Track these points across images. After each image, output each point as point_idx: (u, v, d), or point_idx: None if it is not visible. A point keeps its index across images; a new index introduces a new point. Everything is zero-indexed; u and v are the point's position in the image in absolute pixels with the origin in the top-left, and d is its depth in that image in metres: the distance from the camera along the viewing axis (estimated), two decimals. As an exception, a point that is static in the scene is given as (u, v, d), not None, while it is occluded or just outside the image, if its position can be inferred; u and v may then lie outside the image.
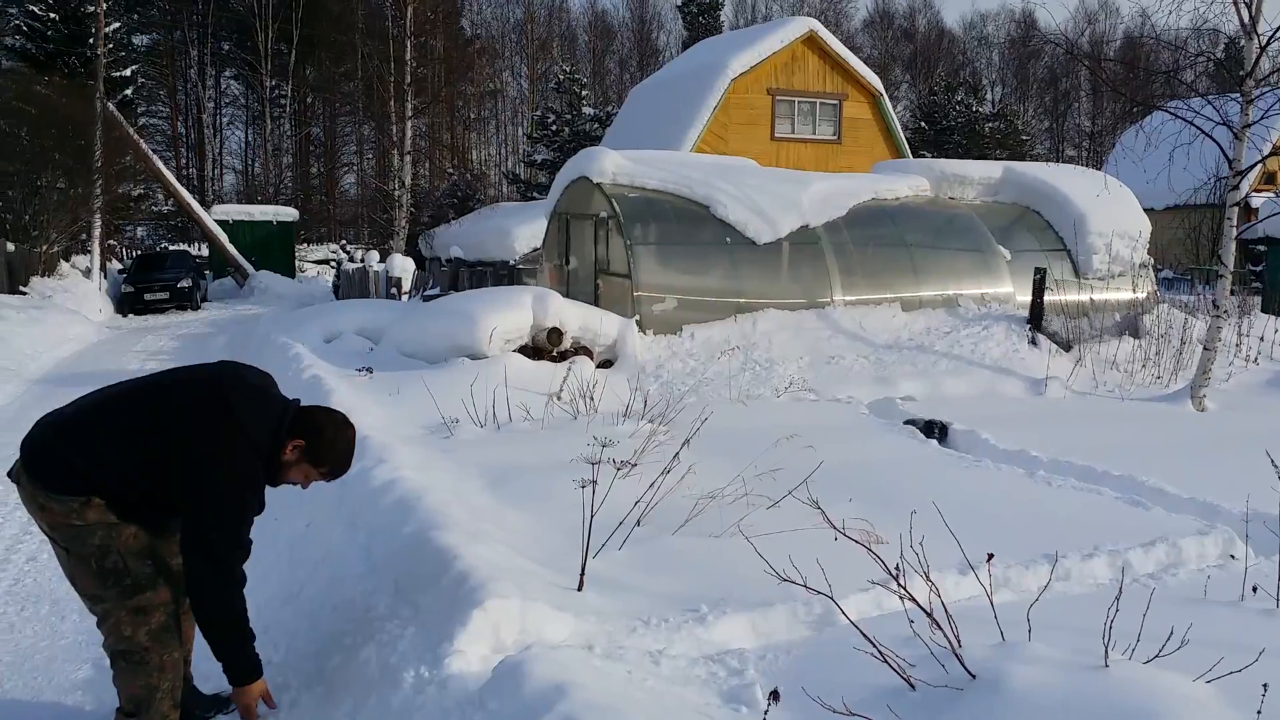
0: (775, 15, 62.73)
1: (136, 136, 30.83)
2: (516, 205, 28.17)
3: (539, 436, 7.48)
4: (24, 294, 21.06)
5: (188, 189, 36.39)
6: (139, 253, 35.72)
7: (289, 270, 33.74)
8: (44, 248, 24.02)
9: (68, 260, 27.02)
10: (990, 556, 3.84)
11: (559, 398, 8.57)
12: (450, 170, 38.18)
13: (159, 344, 18.09)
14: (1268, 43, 9.79)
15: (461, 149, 51.91)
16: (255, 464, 3.56)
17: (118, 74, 33.12)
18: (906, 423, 8.67)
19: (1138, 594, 4.09)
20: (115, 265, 32.25)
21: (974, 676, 3.25)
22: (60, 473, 3.43)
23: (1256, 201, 26.92)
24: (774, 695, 3.25)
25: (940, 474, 6.78)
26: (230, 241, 31.74)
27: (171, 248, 37.17)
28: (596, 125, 37.51)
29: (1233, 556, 5.11)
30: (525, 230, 21.60)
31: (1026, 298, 12.26)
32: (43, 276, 23.33)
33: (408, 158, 28.64)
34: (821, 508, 4.35)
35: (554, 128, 38.86)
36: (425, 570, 4.31)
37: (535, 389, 8.80)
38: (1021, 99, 66.83)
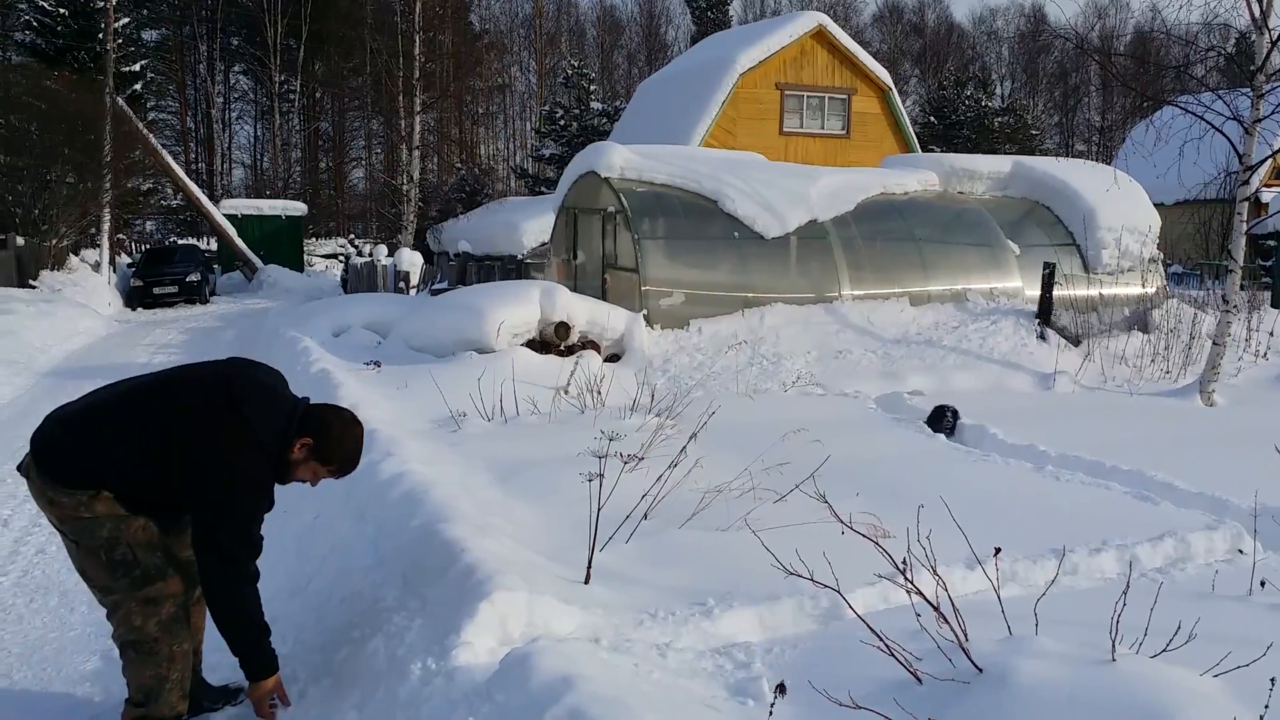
0: (784, 10, 62.60)
1: (146, 131, 30.92)
2: (524, 200, 28.18)
3: (546, 430, 7.48)
4: (33, 288, 21.13)
5: (196, 183, 36.56)
6: (148, 247, 35.77)
7: (297, 264, 33.79)
8: (53, 242, 24.11)
9: (77, 254, 27.10)
10: (997, 551, 3.84)
11: (566, 392, 8.58)
12: (458, 165, 38.18)
13: (168, 338, 18.13)
14: (1279, 38, 9.74)
15: (469, 144, 51.88)
16: (264, 464, 3.57)
17: (127, 69, 33.18)
18: (927, 422, 8.48)
19: (1145, 588, 4.09)
20: (124, 259, 32.35)
21: (981, 670, 3.25)
22: (69, 468, 3.44)
23: (1267, 196, 26.83)
24: (780, 688, 3.25)
25: (948, 468, 6.78)
26: (239, 236, 31.83)
27: (180, 242, 37.25)
28: (605, 120, 37.45)
29: (1241, 551, 5.09)
30: (533, 225, 21.59)
31: (1035, 292, 12.23)
32: (52, 270, 23.42)
33: (416, 152, 28.64)
34: (828, 502, 4.35)
35: (562, 122, 38.81)
36: (433, 563, 4.32)
37: (543, 383, 8.80)
38: (1031, 94, 66.61)
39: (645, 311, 11.34)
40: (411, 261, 23.94)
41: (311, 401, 3.83)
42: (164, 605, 3.57)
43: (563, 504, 5.33)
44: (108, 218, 26.96)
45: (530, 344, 10.46)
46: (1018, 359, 11.07)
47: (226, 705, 3.99)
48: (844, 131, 27.58)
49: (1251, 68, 9.96)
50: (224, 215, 32.30)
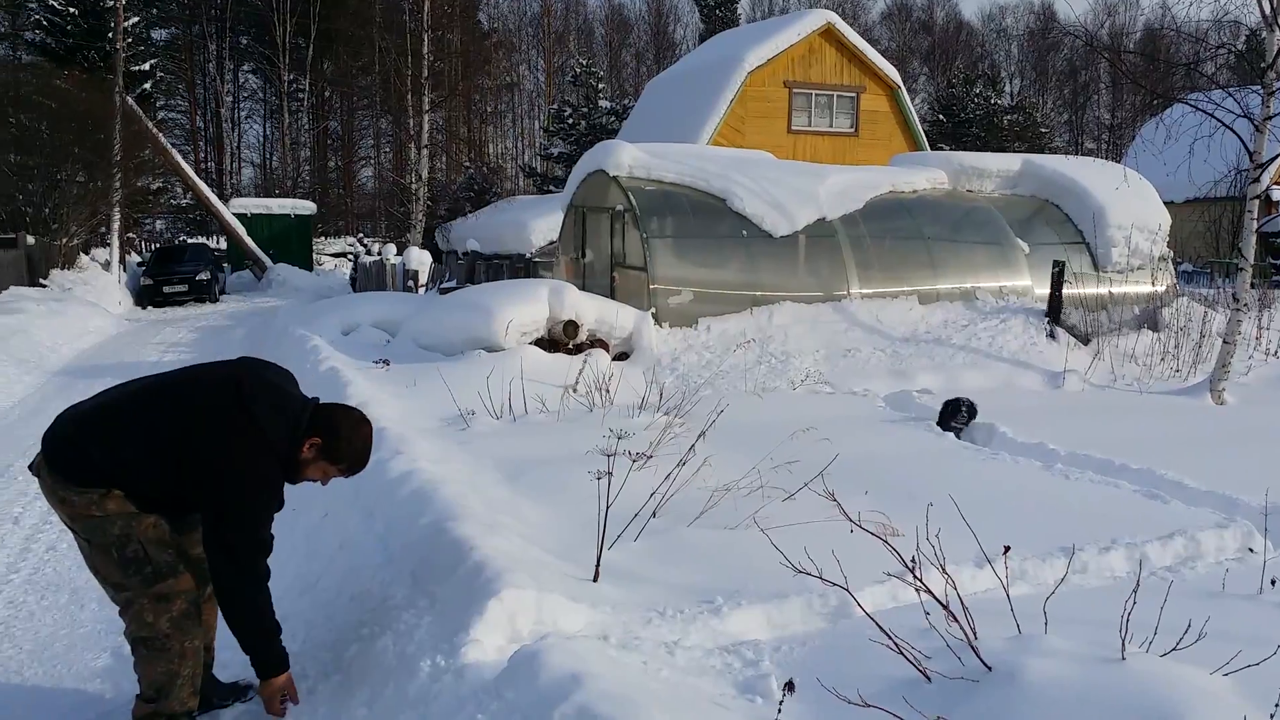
0: (792, 8, 62.54)
1: (155, 130, 30.98)
2: (533, 198, 28.18)
3: (555, 429, 7.49)
4: (44, 287, 21.21)
5: (206, 182, 36.64)
6: (158, 246, 35.91)
7: (306, 263, 33.86)
8: (64, 241, 24.19)
9: (87, 253, 27.19)
10: (1007, 549, 3.83)
11: (575, 390, 8.58)
12: (467, 164, 38.26)
13: (177, 336, 18.19)
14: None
15: (478, 142, 51.98)
16: (273, 465, 3.58)
17: (137, 68, 33.29)
18: (940, 415, 8.30)
19: (1155, 587, 4.08)
20: (134, 258, 32.45)
21: (990, 669, 3.24)
22: (80, 466, 3.46)
23: (1278, 194, 26.72)
24: (789, 686, 3.25)
25: (957, 467, 6.77)
26: (248, 234, 31.90)
27: (190, 241, 37.38)
28: (613, 119, 37.45)
29: (1251, 550, 5.08)
30: (541, 223, 21.59)
31: (1045, 291, 12.20)
32: (62, 269, 23.49)
33: (425, 151, 28.69)
34: (837, 500, 4.34)
35: (570, 121, 38.83)
36: (442, 561, 4.33)
37: (551, 381, 8.81)
38: (1040, 91, 66.44)
39: (653, 310, 11.34)
40: (420, 260, 23.99)
41: (321, 401, 3.84)
42: (175, 602, 3.59)
43: (571, 502, 5.34)
44: (117, 216, 27.03)
45: (539, 342, 10.47)
46: (1027, 357, 11.05)
47: (237, 702, 4.00)
48: (852, 130, 27.55)
49: (1262, 65, 9.92)
50: (233, 214, 32.37)
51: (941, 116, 48.60)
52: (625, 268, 12.61)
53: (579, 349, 10.48)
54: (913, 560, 3.68)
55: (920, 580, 3.61)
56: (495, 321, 10.25)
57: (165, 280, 25.68)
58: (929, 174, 14.01)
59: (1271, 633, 3.56)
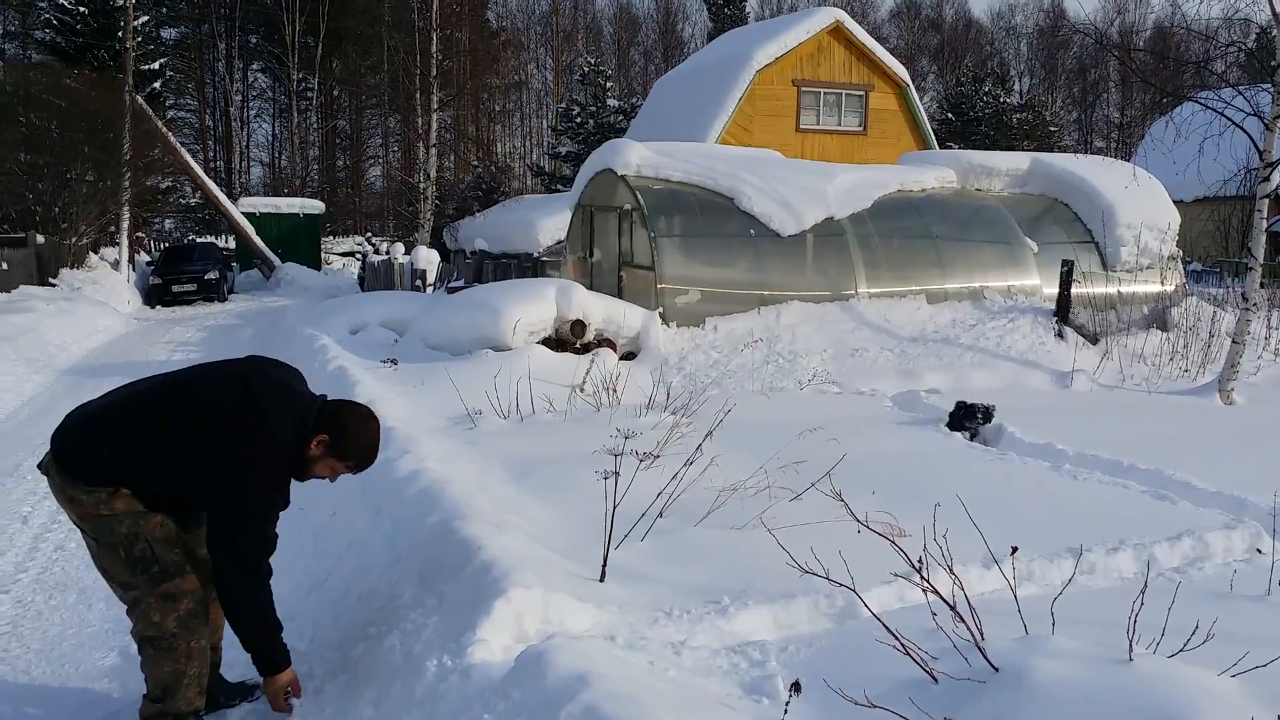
0: (801, 6, 62.42)
1: (165, 129, 31.09)
2: (541, 198, 28.19)
3: (562, 428, 7.50)
4: (53, 286, 21.29)
5: (215, 182, 36.74)
6: (167, 245, 36.03)
7: (315, 262, 33.92)
8: (73, 240, 24.27)
9: (96, 252, 27.30)
10: (1014, 550, 3.83)
11: (582, 389, 8.59)
12: (475, 163, 38.26)
13: (186, 335, 18.24)
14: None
15: (486, 141, 51.97)
16: (280, 463, 3.59)
17: (146, 67, 33.37)
18: (951, 419, 8.12)
19: (1163, 588, 4.07)
20: (143, 257, 32.56)
21: (997, 669, 3.24)
22: (88, 465, 3.47)
23: (1288, 193, 26.58)
24: (795, 687, 3.26)
25: (964, 467, 6.76)
26: (257, 234, 31.97)
27: (199, 240, 37.50)
28: (621, 117, 37.46)
29: (1260, 550, 5.06)
30: (549, 223, 21.61)
31: (1053, 290, 12.17)
32: (72, 268, 23.57)
33: (433, 150, 28.68)
34: (844, 500, 4.34)
35: (578, 120, 38.85)
36: (449, 560, 4.34)
37: (558, 381, 8.82)
38: (1050, 90, 66.24)
39: (661, 309, 11.34)
40: (428, 259, 24.00)
41: (329, 398, 3.85)
42: (182, 601, 3.60)
43: (578, 502, 5.34)
44: (127, 216, 27.13)
45: (546, 342, 10.48)
46: (1035, 357, 11.02)
47: (244, 702, 4.01)
48: (861, 128, 27.51)
49: (1272, 63, 9.89)
50: (242, 213, 32.44)
51: (950, 115, 48.51)
52: (633, 267, 12.61)
53: (586, 348, 10.48)
54: (920, 561, 3.68)
55: (927, 581, 3.61)
56: (503, 321, 10.27)
57: (174, 279, 25.76)
58: (937, 173, 13.99)
59: (1279, 634, 3.55)
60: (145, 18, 34.36)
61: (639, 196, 12.14)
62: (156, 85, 35.05)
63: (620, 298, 11.80)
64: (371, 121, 54.81)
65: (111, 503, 3.45)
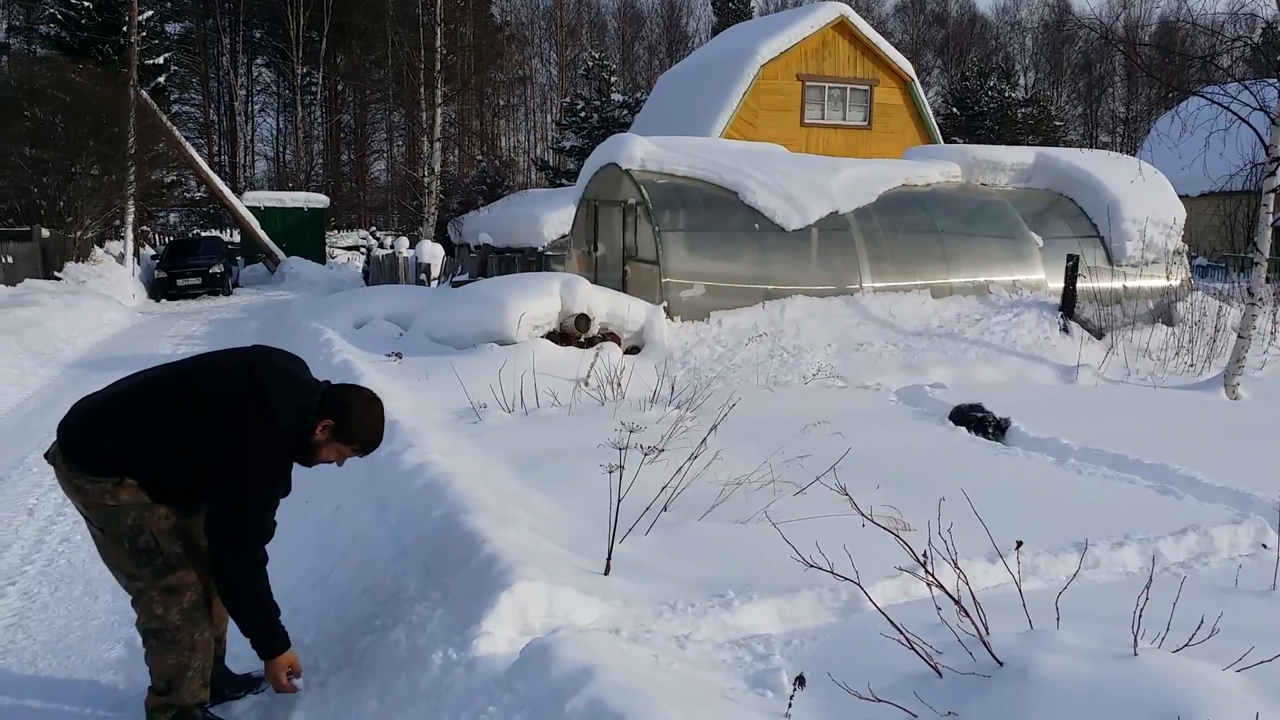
0: (805, 0, 62.36)
1: (169, 124, 31.09)
2: (545, 192, 28.19)
3: (566, 422, 7.50)
4: (59, 279, 21.31)
5: (220, 176, 36.74)
6: (172, 239, 36.03)
7: (319, 256, 33.93)
8: (78, 234, 24.28)
9: (101, 246, 27.29)
10: (1019, 544, 3.82)
11: (586, 383, 8.59)
12: (479, 157, 38.27)
13: (191, 329, 18.25)
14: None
15: (491, 136, 52.01)
16: (283, 451, 3.59)
17: (151, 62, 33.41)
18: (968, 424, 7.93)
19: (1168, 583, 4.06)
20: (148, 251, 32.56)
21: (1001, 664, 3.24)
22: (94, 455, 3.48)
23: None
24: (800, 680, 3.26)
25: (969, 461, 6.75)
26: (262, 228, 31.98)
27: (204, 234, 37.51)
28: (625, 112, 37.45)
29: (1265, 546, 5.06)
30: (554, 217, 21.61)
31: (1059, 285, 12.15)
32: (77, 262, 23.58)
33: (437, 144, 28.69)
34: (849, 494, 4.34)
35: (583, 114, 38.85)
36: (454, 553, 4.34)
37: (563, 375, 8.82)
38: (1055, 84, 66.10)
39: (665, 303, 11.34)
40: (433, 253, 24.00)
41: (332, 383, 3.85)
42: (185, 594, 3.60)
43: (583, 495, 5.34)
44: (132, 210, 27.14)
45: (550, 336, 10.48)
46: (1040, 352, 11.01)
47: (248, 693, 4.02)
48: (865, 123, 27.47)
49: (1278, 58, 9.86)
50: (247, 207, 32.46)
51: (955, 110, 48.41)
52: (637, 261, 12.61)
53: (591, 342, 10.48)
54: (924, 555, 3.68)
55: (932, 575, 3.61)
56: (507, 315, 10.26)
57: (179, 273, 25.80)
58: (942, 167, 13.97)
59: (1285, 629, 3.55)
60: (149, 12, 34.38)
61: (643, 191, 12.13)
62: (161, 80, 35.07)
63: (625, 292, 11.79)
64: (376, 116, 54.82)
65: (117, 493, 3.46)
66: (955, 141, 36.44)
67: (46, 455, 3.62)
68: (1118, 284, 12.57)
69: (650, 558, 4.55)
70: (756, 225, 12.06)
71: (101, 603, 5.10)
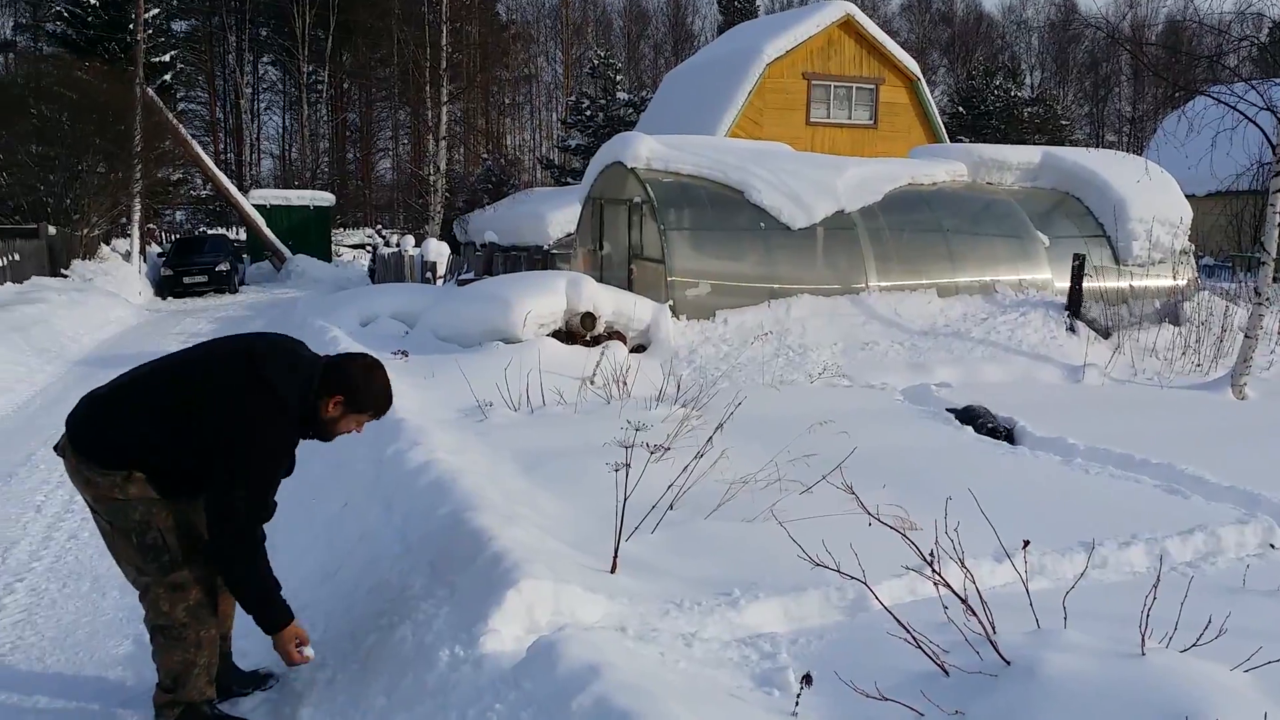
0: (811, -1, 62.29)
1: (175, 122, 31.13)
2: (551, 190, 28.21)
3: (572, 420, 7.50)
4: (65, 277, 21.36)
5: (226, 174, 36.78)
6: (178, 236, 36.09)
7: (325, 254, 33.96)
8: (84, 231, 24.34)
9: (108, 244, 27.36)
10: (1026, 543, 3.82)
11: (592, 382, 8.59)
12: (485, 155, 38.25)
13: (197, 326, 18.29)
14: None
15: (496, 134, 52.03)
16: (287, 429, 3.63)
17: (157, 60, 33.47)
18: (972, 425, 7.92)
19: (1175, 582, 4.06)
20: (154, 249, 32.63)
21: (1009, 663, 3.23)
22: (103, 447, 3.50)
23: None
24: (806, 679, 3.26)
25: (976, 461, 6.74)
26: (268, 226, 32.00)
27: (210, 232, 37.55)
28: (631, 110, 37.44)
29: (1272, 545, 5.05)
30: (559, 215, 21.63)
31: (1065, 284, 12.13)
32: (83, 259, 23.65)
33: (443, 143, 28.72)
34: (855, 493, 4.34)
35: (588, 113, 38.84)
36: (460, 551, 4.34)
37: (569, 373, 8.82)
38: (1061, 84, 65.99)
39: (671, 302, 11.34)
40: (438, 252, 24.03)
41: (330, 356, 3.89)
42: (191, 591, 3.61)
43: (589, 494, 5.34)
44: (138, 207, 27.20)
45: (556, 334, 10.48)
46: (1047, 351, 10.99)
47: (256, 690, 4.03)
48: (871, 122, 27.45)
49: (1286, 57, 9.84)
50: (253, 205, 32.49)
51: (961, 109, 48.35)
52: (643, 260, 12.61)
53: (596, 341, 10.48)
54: (931, 554, 3.67)
55: (938, 574, 3.61)
56: (513, 313, 10.27)
57: (185, 271, 25.85)
58: (948, 166, 13.94)
59: (1293, 629, 3.54)
60: (156, 10, 34.42)
61: (649, 189, 12.13)
62: (167, 78, 35.13)
63: (630, 290, 11.79)
64: (381, 114, 54.85)
65: (126, 487, 3.48)
66: (961, 140, 36.38)
67: (56, 447, 3.64)
68: (1124, 283, 12.55)
69: (656, 556, 4.55)
70: (762, 224, 12.06)
71: (109, 599, 5.12)
